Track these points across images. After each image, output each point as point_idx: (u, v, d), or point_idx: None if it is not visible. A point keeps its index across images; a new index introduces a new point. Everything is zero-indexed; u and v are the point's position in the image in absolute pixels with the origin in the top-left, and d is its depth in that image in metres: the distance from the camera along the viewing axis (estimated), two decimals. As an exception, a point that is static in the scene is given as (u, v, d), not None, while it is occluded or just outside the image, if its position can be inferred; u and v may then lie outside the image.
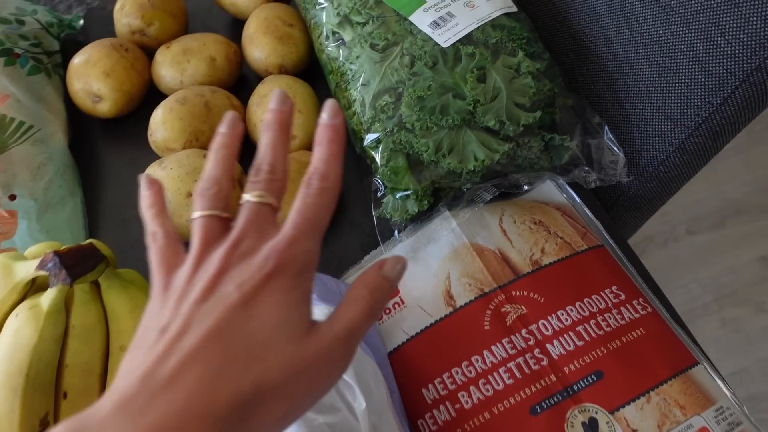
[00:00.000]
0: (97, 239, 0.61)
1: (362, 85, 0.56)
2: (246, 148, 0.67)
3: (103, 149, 0.68)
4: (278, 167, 0.33)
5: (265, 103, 0.61)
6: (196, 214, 0.32)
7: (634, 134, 0.57)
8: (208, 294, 0.28)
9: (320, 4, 0.62)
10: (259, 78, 0.70)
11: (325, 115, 0.33)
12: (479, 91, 0.53)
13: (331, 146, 0.32)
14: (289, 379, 0.27)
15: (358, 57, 0.57)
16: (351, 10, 0.59)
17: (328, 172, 0.31)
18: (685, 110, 0.52)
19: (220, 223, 0.32)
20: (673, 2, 0.49)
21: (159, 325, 0.28)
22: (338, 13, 0.60)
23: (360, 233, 0.60)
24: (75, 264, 0.43)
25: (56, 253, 0.44)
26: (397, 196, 0.52)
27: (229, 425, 0.25)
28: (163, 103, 0.61)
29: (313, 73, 0.69)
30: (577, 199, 0.55)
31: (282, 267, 0.28)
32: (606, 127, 0.55)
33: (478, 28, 0.56)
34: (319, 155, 0.32)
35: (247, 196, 0.32)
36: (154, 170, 0.56)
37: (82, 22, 0.77)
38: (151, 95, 0.69)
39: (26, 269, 0.45)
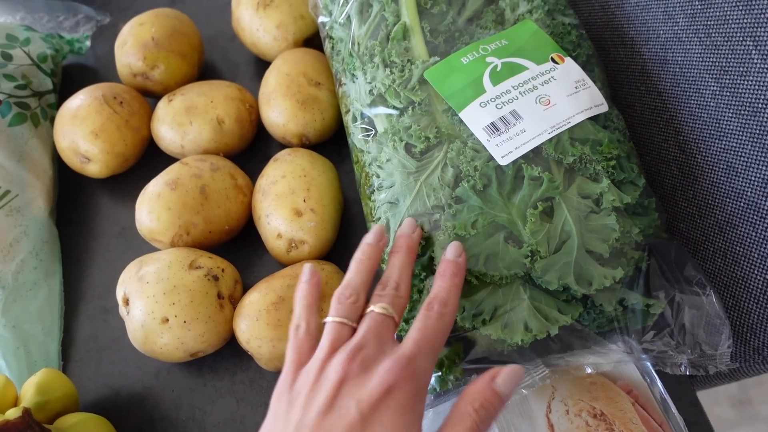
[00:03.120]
0: (71, 335, 0.53)
1: (389, 203, 0.43)
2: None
3: (93, 213, 0.58)
4: (402, 287, 0.36)
5: (274, 192, 0.49)
6: (330, 318, 0.35)
7: (749, 306, 0.42)
8: (330, 406, 0.30)
9: (353, 73, 0.49)
10: (277, 142, 0.58)
11: (450, 253, 0.37)
12: (542, 237, 0.39)
13: (454, 279, 0.35)
14: None
15: (388, 161, 0.44)
16: (387, 89, 0.46)
17: (448, 299, 0.34)
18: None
19: (349, 330, 0.34)
20: None
21: None
22: (371, 90, 0.47)
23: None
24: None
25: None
26: (417, 363, 0.40)
27: None
28: (152, 183, 0.50)
29: (341, 139, 0.57)
30: (659, 382, 0.42)
31: (400, 384, 0.30)
32: (711, 291, 0.40)
33: (550, 140, 0.42)
34: (442, 285, 0.35)
35: (373, 307, 0.34)
36: (129, 277, 0.46)
37: (89, 43, 0.67)
38: (153, 151, 0.59)
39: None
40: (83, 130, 0.53)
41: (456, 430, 0.30)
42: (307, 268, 0.39)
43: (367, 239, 0.39)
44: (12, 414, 0.37)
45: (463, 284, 0.36)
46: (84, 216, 0.58)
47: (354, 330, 0.34)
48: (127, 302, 0.46)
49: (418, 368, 0.31)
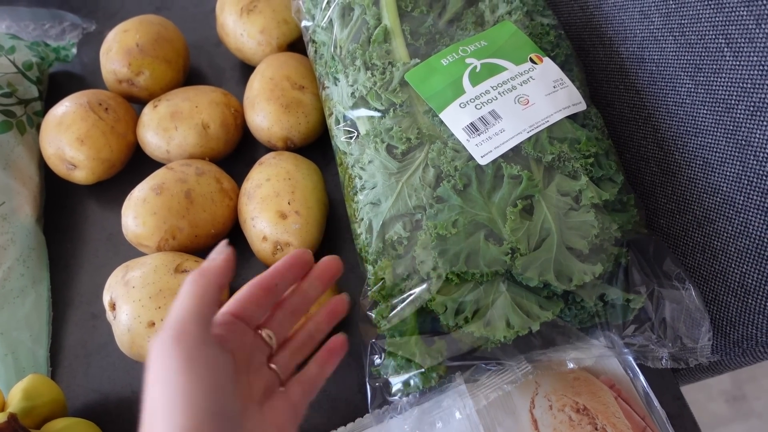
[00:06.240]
0: (59, 341, 0.53)
1: (371, 203, 0.43)
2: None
3: (80, 220, 0.59)
4: None
5: (259, 196, 0.50)
6: None
7: (728, 300, 0.42)
8: None
9: (335, 77, 0.49)
10: (263, 146, 0.58)
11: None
12: (522, 234, 0.40)
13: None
14: None
15: (370, 162, 0.44)
16: (369, 92, 0.46)
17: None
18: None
19: None
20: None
21: None
22: (353, 93, 0.47)
23: (360, 371, 0.49)
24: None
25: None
26: (398, 362, 0.41)
27: None
28: (137, 188, 0.51)
29: (326, 142, 0.57)
30: (641, 376, 0.42)
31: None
32: (690, 286, 0.41)
33: (529, 139, 0.42)
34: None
35: None
36: (115, 282, 0.47)
37: (75, 50, 0.67)
38: (139, 156, 0.59)
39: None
40: (69, 137, 0.54)
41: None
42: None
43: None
44: (-2, 419, 0.37)
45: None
46: (71, 222, 0.59)
47: None
48: (113, 307, 0.46)
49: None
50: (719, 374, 0.48)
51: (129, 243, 0.52)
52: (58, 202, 0.60)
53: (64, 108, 0.55)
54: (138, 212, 0.49)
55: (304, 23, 0.55)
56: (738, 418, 1.18)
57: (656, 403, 0.42)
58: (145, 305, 0.44)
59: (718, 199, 0.41)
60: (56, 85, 0.67)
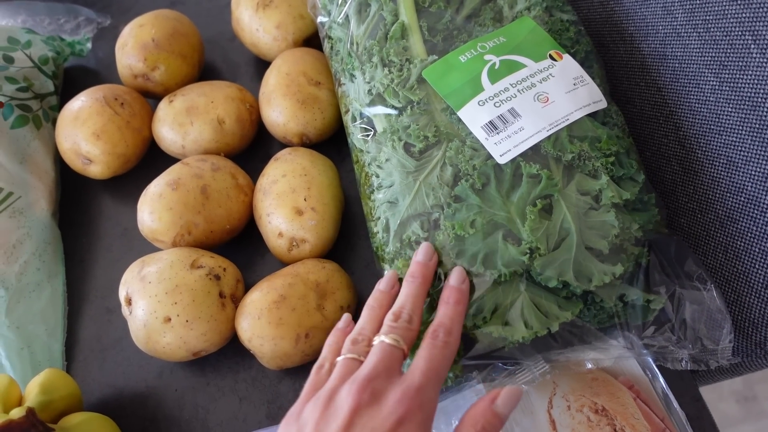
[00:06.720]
0: (74, 335, 0.53)
1: (389, 202, 0.43)
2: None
3: (95, 214, 0.59)
4: (415, 319, 0.36)
5: (275, 192, 0.50)
6: (343, 356, 0.35)
7: (751, 301, 0.42)
8: None
9: (351, 73, 0.49)
10: (278, 142, 0.58)
11: (453, 280, 0.38)
12: (541, 234, 0.39)
13: (457, 307, 0.36)
14: None
15: (387, 160, 0.44)
16: (386, 89, 0.46)
17: (452, 327, 0.35)
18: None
19: (357, 363, 0.35)
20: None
21: None
22: (370, 90, 0.47)
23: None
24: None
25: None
26: (417, 361, 0.40)
27: None
28: (153, 184, 0.51)
29: (342, 138, 0.57)
30: (660, 377, 0.42)
31: (410, 415, 0.30)
32: (712, 286, 0.40)
33: (549, 137, 0.42)
34: (446, 312, 0.36)
35: (384, 338, 0.35)
36: (131, 277, 0.47)
37: (90, 45, 0.67)
38: (154, 151, 0.59)
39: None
40: (85, 132, 0.54)
41: None
42: (345, 316, 0.40)
43: (381, 285, 0.39)
44: (16, 413, 0.37)
45: (466, 311, 0.37)
46: (86, 217, 0.59)
47: (361, 362, 0.35)
48: (129, 302, 0.46)
49: (426, 398, 0.32)
50: (739, 376, 0.47)
51: (143, 238, 0.52)
52: (74, 197, 0.60)
53: (80, 103, 0.55)
54: (154, 207, 0.49)
55: (320, 19, 0.55)
56: (749, 419, 1.17)
57: (675, 404, 0.41)
58: (162, 301, 0.44)
59: (742, 198, 0.41)
60: (71, 79, 0.67)
